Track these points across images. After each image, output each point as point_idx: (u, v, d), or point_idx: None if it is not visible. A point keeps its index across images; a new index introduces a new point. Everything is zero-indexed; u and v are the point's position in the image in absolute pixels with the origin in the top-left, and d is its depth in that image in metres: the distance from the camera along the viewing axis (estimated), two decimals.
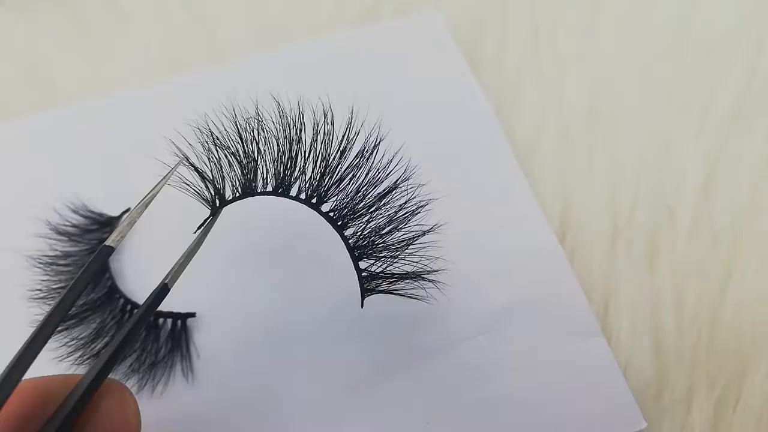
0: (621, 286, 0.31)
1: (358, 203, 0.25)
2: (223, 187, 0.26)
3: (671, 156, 0.35)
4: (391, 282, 0.26)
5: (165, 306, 0.31)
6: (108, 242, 0.23)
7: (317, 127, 0.25)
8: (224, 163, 0.25)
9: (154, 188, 0.25)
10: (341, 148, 0.25)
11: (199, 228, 0.26)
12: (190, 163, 0.26)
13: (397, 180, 0.25)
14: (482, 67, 0.38)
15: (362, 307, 0.26)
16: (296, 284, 0.31)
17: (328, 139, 0.25)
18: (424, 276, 0.26)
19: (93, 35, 0.41)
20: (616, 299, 0.31)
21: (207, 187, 0.26)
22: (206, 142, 0.25)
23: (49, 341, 0.30)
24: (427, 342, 0.29)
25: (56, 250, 0.32)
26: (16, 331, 0.30)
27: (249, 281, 0.31)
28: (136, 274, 0.32)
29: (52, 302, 0.31)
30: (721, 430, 0.29)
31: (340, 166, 0.25)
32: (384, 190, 0.25)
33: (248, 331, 0.30)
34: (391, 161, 0.25)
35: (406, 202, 0.26)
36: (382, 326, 0.30)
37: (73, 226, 0.33)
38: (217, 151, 0.25)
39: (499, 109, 0.36)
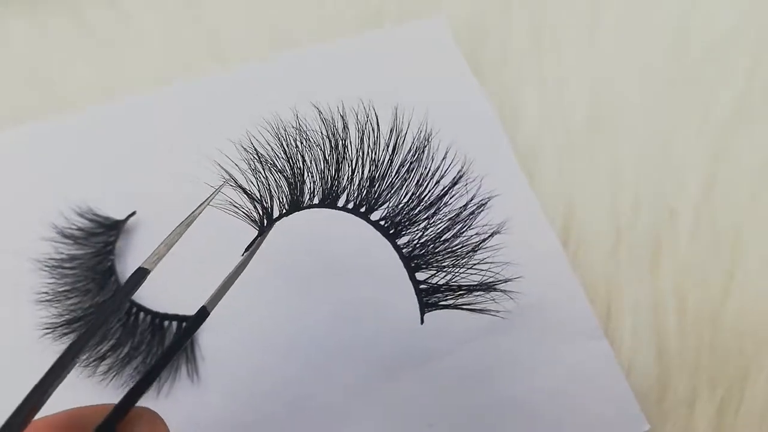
0: (623, 289, 0.32)
1: (413, 208, 0.23)
2: (271, 205, 0.24)
3: (672, 158, 0.35)
4: (458, 295, 0.23)
5: (171, 309, 0.31)
6: (144, 264, 0.23)
7: (362, 131, 0.23)
8: (270, 179, 0.24)
9: (195, 210, 0.25)
10: (390, 151, 0.23)
11: (247, 249, 0.25)
12: (235, 183, 0.24)
13: (455, 177, 0.23)
14: (484, 70, 0.39)
15: (422, 323, 0.23)
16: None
17: (375, 143, 0.23)
18: (497, 286, 0.23)
19: (98, 40, 0.42)
20: (618, 301, 0.31)
21: (254, 206, 0.24)
22: (251, 160, 0.24)
23: (55, 343, 0.30)
24: (431, 344, 0.30)
25: (62, 253, 0.32)
26: (22, 333, 0.31)
27: (261, 287, 0.31)
28: None
29: (57, 305, 0.31)
30: (725, 431, 0.29)
31: (390, 171, 0.23)
32: (442, 189, 0.23)
33: (254, 336, 0.31)
34: (445, 158, 0.23)
35: (467, 203, 0.23)
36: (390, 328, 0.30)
37: (79, 229, 0.33)
38: (262, 168, 0.24)
39: (501, 112, 0.37)
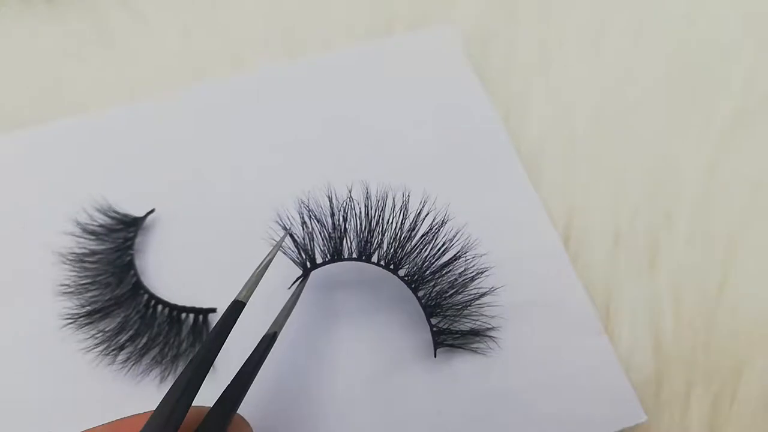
0: (622, 288, 0.33)
1: (425, 271, 0.29)
2: (314, 252, 0.30)
3: (670, 165, 0.36)
4: (456, 338, 0.30)
5: (188, 302, 0.33)
6: (239, 297, 0.26)
7: (394, 211, 0.29)
8: (317, 233, 0.30)
9: (268, 255, 0.28)
10: (412, 228, 0.29)
11: (292, 285, 0.31)
12: (292, 235, 0.30)
13: (457, 253, 0.30)
14: (492, 79, 0.40)
15: (435, 356, 0.30)
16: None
17: (402, 221, 0.29)
18: (482, 333, 0.30)
19: (117, 44, 0.43)
20: (617, 300, 0.33)
21: (300, 252, 0.30)
22: (306, 215, 0.30)
23: (77, 333, 0.31)
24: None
25: (84, 247, 0.34)
26: (46, 322, 0.32)
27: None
28: (159, 271, 0.34)
29: (78, 296, 0.32)
30: (718, 423, 0.30)
31: (410, 242, 0.29)
32: (445, 261, 0.30)
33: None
34: (453, 238, 0.30)
35: (464, 271, 0.30)
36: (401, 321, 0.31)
37: (100, 225, 0.34)
38: (312, 223, 0.30)
39: (508, 119, 0.38)
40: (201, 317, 0.32)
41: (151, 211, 0.35)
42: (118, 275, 0.33)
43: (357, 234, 0.30)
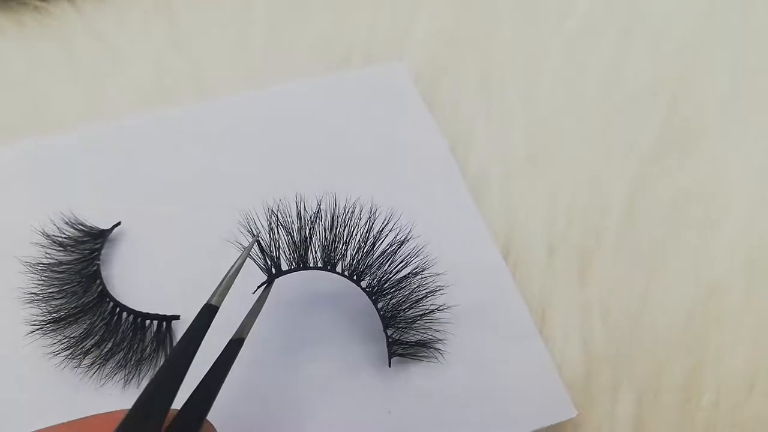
0: (556, 296, 0.36)
1: (385, 284, 0.32)
2: (279, 259, 0.31)
3: (599, 186, 0.40)
4: (406, 348, 0.32)
5: (152, 309, 0.34)
6: (211, 301, 0.27)
7: (359, 224, 0.31)
8: (283, 241, 0.31)
9: (239, 259, 0.29)
10: (375, 242, 0.31)
11: (257, 290, 0.31)
12: (259, 241, 0.31)
13: (415, 269, 0.32)
14: (440, 108, 0.43)
15: (390, 365, 0.32)
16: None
17: (367, 234, 0.31)
18: (430, 345, 0.32)
19: (84, 69, 0.45)
20: (551, 307, 0.36)
21: (265, 259, 0.31)
22: (274, 223, 0.31)
23: (43, 338, 0.33)
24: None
25: (52, 258, 0.35)
26: (13, 329, 0.33)
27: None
28: (124, 281, 0.35)
29: (45, 304, 0.34)
30: (643, 417, 0.33)
31: (372, 255, 0.31)
32: (403, 276, 0.32)
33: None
34: (413, 255, 0.32)
35: (419, 287, 0.32)
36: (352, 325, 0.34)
37: (67, 237, 0.36)
38: (279, 231, 0.31)
39: (454, 145, 0.41)
40: (165, 324, 0.34)
41: (117, 224, 0.37)
42: (84, 284, 0.34)
43: (322, 244, 0.31)
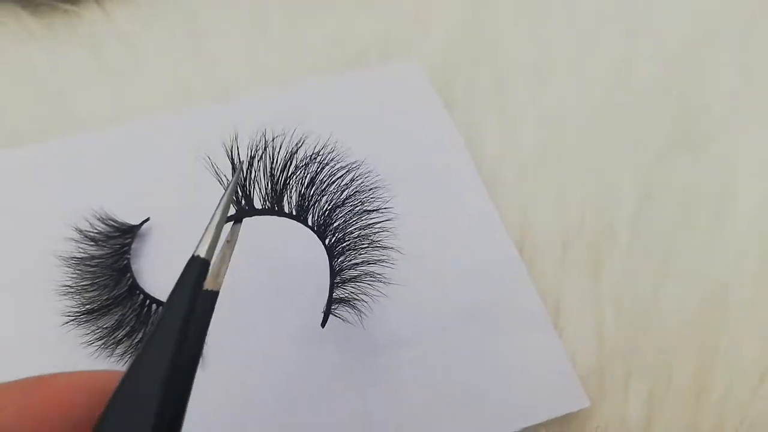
0: (570, 290, 0.37)
1: (347, 239, 0.30)
2: (253, 199, 0.29)
3: (612, 183, 0.41)
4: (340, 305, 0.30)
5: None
6: (199, 253, 0.23)
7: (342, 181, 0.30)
8: (262, 179, 0.29)
9: (224, 196, 0.26)
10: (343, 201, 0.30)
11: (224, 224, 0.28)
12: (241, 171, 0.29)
13: (352, 177, 0.30)
14: (453, 107, 0.44)
15: (323, 326, 0.29)
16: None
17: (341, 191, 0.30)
18: (352, 303, 0.30)
19: (111, 71, 0.46)
20: (565, 301, 0.37)
21: (239, 193, 0.29)
22: (258, 156, 0.29)
23: (77, 329, 0.34)
24: (401, 332, 0.34)
25: (84, 252, 0.36)
26: (48, 320, 0.35)
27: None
28: (153, 274, 0.37)
29: (78, 297, 0.35)
30: (654, 409, 0.34)
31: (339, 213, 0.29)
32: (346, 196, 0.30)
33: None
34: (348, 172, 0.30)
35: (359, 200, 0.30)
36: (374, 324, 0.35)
37: (99, 232, 0.37)
38: (261, 166, 0.29)
39: (469, 142, 0.42)
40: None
41: (146, 220, 0.38)
42: (115, 277, 0.36)
43: (300, 190, 0.29)
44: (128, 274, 0.36)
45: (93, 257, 0.36)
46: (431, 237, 0.35)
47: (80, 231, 0.37)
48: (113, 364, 0.34)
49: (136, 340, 0.34)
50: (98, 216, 0.38)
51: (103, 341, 0.34)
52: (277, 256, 0.35)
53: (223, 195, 0.26)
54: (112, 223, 0.38)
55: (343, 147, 0.30)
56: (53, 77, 0.46)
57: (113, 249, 0.37)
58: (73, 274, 0.36)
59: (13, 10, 0.47)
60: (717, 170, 0.42)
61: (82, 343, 0.34)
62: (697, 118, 0.44)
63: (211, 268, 0.24)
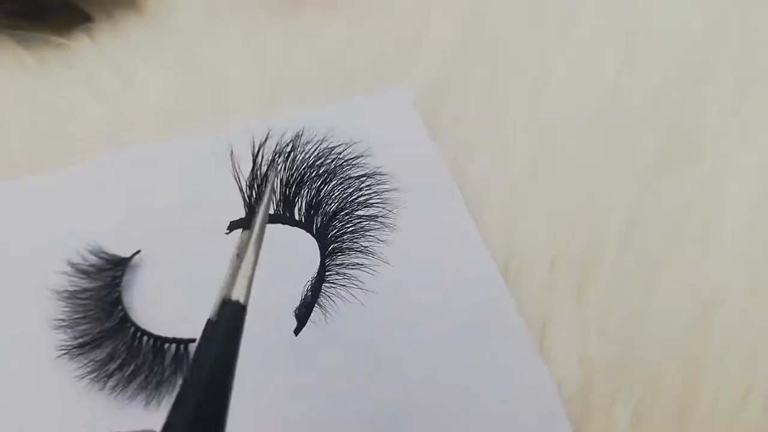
0: (556, 311, 0.37)
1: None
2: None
3: (600, 201, 0.41)
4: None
5: (169, 333, 0.36)
6: (234, 296, 0.21)
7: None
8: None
9: (261, 212, 0.24)
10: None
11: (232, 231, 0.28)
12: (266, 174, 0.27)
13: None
14: (442, 125, 0.44)
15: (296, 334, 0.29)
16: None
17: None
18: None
19: (104, 100, 0.47)
20: (551, 321, 0.37)
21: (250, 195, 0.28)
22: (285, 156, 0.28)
23: (70, 362, 0.35)
24: (380, 354, 0.35)
25: (76, 285, 0.37)
26: (42, 353, 0.35)
27: None
28: (144, 306, 0.37)
29: (71, 330, 0.36)
30: (639, 429, 0.34)
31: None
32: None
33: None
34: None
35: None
36: (348, 337, 0.35)
37: (91, 265, 0.38)
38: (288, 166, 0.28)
39: (455, 162, 0.42)
40: (182, 347, 0.36)
41: (137, 252, 0.39)
42: (107, 310, 0.36)
43: (309, 197, 0.27)
44: (120, 306, 0.37)
45: (85, 290, 0.37)
46: (413, 261, 0.36)
47: (72, 264, 0.38)
48: (105, 396, 0.34)
49: (127, 373, 0.35)
50: (89, 248, 0.38)
51: (95, 374, 0.35)
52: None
53: (254, 226, 0.23)
54: (104, 255, 0.38)
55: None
56: (47, 109, 0.47)
57: (105, 282, 0.37)
58: (65, 307, 0.36)
59: (6, 43, 0.48)
60: (707, 185, 0.41)
61: (75, 377, 0.35)
62: (687, 133, 0.44)
63: (229, 278, 0.23)
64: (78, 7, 0.49)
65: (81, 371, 0.35)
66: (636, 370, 0.35)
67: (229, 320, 0.21)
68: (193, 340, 0.36)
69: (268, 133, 0.28)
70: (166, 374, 0.35)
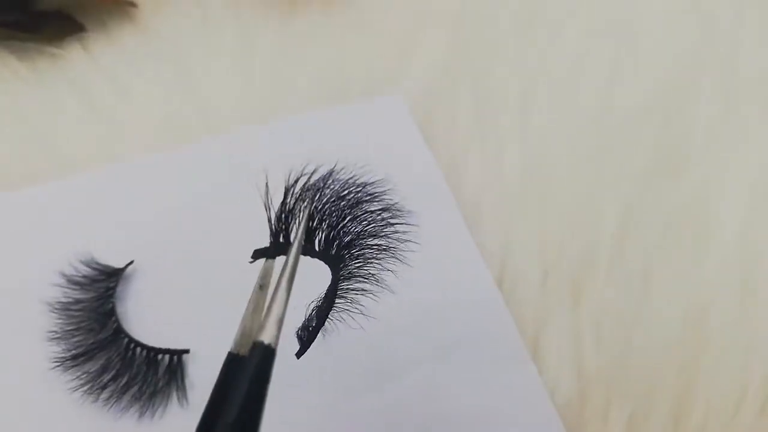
0: (549, 320, 0.37)
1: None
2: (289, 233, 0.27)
3: (592, 210, 0.41)
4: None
5: (164, 344, 0.36)
6: (264, 339, 0.21)
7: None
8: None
9: (294, 250, 0.24)
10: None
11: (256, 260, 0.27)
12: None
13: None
14: (435, 135, 0.45)
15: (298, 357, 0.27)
16: None
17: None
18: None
19: (97, 111, 0.47)
20: (545, 331, 0.37)
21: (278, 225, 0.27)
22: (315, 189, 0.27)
23: (64, 374, 0.35)
24: (375, 367, 0.35)
25: (69, 297, 0.37)
26: (35, 366, 0.35)
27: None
28: (138, 317, 0.37)
29: (64, 342, 0.36)
30: None
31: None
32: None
33: None
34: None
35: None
36: (345, 348, 0.35)
37: (84, 276, 0.38)
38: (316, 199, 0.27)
39: (449, 171, 0.43)
40: (176, 358, 0.36)
41: (131, 263, 0.39)
42: (100, 321, 0.36)
43: (330, 228, 0.27)
44: (113, 318, 0.37)
45: (78, 301, 0.37)
46: (407, 271, 0.36)
47: (65, 275, 0.38)
48: (99, 408, 0.34)
49: (121, 384, 0.35)
50: (83, 259, 0.38)
51: (88, 386, 0.35)
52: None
53: (287, 265, 0.23)
54: (97, 266, 0.38)
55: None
56: (41, 119, 0.47)
57: (98, 293, 0.37)
58: (58, 318, 0.36)
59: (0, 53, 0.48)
60: (698, 194, 0.42)
61: (68, 389, 0.34)
62: (678, 142, 0.44)
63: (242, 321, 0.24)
64: (71, 16, 0.49)
65: (74, 383, 0.35)
66: (630, 377, 0.35)
67: (259, 364, 0.21)
68: (186, 351, 0.36)
69: (304, 168, 0.28)
70: (160, 385, 0.35)
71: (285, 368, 0.34)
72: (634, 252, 0.40)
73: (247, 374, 0.20)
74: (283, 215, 0.27)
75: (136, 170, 0.43)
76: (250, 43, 0.50)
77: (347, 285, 0.30)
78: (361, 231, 0.29)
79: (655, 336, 0.37)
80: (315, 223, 0.27)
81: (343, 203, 0.28)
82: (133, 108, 0.47)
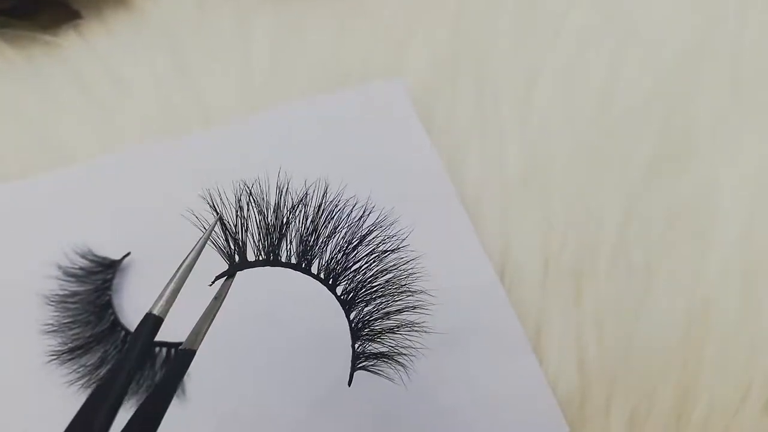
0: (551, 314, 0.37)
1: (360, 290, 0.26)
2: (246, 247, 0.26)
3: (593, 205, 0.41)
4: (370, 360, 0.27)
5: (160, 336, 0.36)
6: (154, 311, 0.24)
7: (348, 220, 0.26)
8: (253, 225, 0.26)
9: (194, 248, 0.26)
10: (358, 243, 0.26)
11: (214, 282, 0.27)
12: (223, 222, 0.26)
13: (371, 226, 0.27)
14: (436, 129, 0.44)
15: (349, 384, 0.27)
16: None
17: (353, 233, 0.26)
18: (396, 358, 0.27)
19: (93, 101, 0.46)
20: (546, 325, 0.36)
21: (229, 244, 0.26)
22: (245, 200, 0.26)
23: (60, 368, 0.35)
24: None
25: (65, 289, 0.37)
26: (31, 359, 0.35)
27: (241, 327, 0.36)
28: (135, 309, 0.37)
29: (61, 335, 0.35)
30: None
31: (355, 257, 0.26)
32: (380, 286, 0.27)
33: (233, 362, 0.35)
34: (400, 265, 0.27)
35: (400, 299, 0.26)
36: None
37: (80, 268, 0.37)
38: (250, 211, 0.26)
39: (450, 165, 0.42)
40: (173, 350, 0.35)
41: (127, 254, 0.38)
42: (97, 314, 0.36)
43: (301, 234, 0.26)
44: (110, 310, 0.36)
45: (75, 294, 0.37)
46: (414, 260, 0.35)
47: (62, 268, 0.37)
48: None
49: None
50: (79, 251, 0.38)
51: (85, 379, 0.34)
52: (282, 310, 0.36)
53: (191, 251, 0.26)
54: (93, 258, 0.38)
55: (336, 181, 0.27)
56: (35, 108, 0.46)
57: (95, 285, 0.37)
58: (54, 311, 0.36)
59: None
60: (701, 188, 0.41)
61: (65, 382, 0.34)
62: (681, 136, 0.43)
63: (194, 326, 0.25)
64: (66, 3, 0.48)
65: (71, 377, 0.34)
66: (632, 372, 0.35)
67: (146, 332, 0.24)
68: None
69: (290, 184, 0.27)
70: (157, 377, 0.35)
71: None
72: (636, 246, 0.39)
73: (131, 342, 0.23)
74: (230, 240, 0.27)
75: (132, 160, 0.42)
76: (247, 30, 0.49)
77: (390, 305, 0.27)
78: (358, 242, 0.27)
79: (657, 331, 0.36)
80: (276, 230, 0.26)
81: (311, 208, 0.27)
82: (129, 96, 0.46)
